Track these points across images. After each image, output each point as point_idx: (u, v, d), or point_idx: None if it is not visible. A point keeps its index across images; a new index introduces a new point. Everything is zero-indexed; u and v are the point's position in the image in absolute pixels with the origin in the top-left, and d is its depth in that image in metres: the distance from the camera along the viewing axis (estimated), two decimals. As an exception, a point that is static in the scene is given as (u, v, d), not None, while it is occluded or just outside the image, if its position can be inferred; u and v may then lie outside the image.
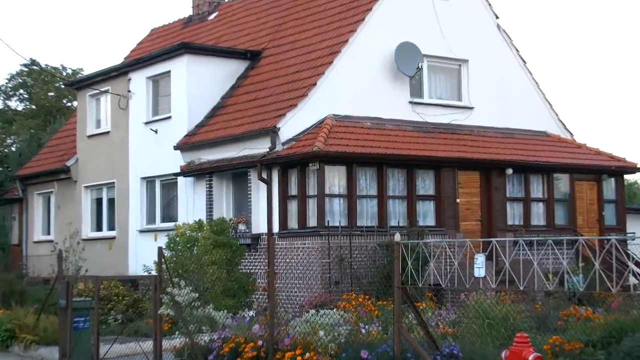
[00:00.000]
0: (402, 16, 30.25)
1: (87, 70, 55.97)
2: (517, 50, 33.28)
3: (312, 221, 26.82)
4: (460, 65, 31.84)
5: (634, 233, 30.64)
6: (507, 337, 14.61)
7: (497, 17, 32.74)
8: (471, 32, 31.87)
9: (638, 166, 33.65)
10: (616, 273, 12.53)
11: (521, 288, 13.80)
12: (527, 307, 18.23)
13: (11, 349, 24.67)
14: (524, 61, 33.40)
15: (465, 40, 31.55)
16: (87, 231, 36.80)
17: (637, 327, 15.94)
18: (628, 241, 22.36)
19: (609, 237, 14.15)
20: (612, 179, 33.28)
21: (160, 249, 20.25)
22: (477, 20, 32.24)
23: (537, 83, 33.62)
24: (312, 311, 16.95)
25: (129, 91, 34.27)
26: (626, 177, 36.10)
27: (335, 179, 27.09)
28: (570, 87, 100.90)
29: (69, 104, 60.59)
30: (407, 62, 29.59)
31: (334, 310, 16.98)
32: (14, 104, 68.86)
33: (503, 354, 11.83)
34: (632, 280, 23.13)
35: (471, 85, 31.79)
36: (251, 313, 19.14)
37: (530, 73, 33.56)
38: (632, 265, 23.31)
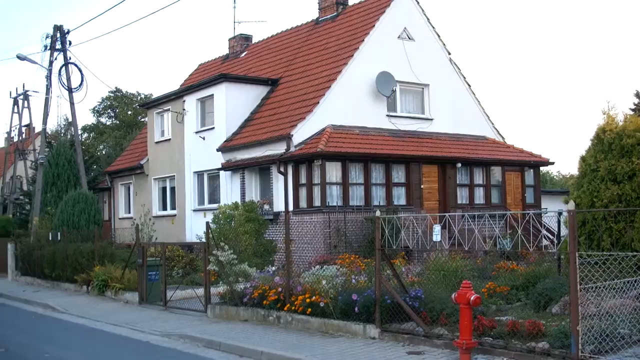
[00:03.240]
0: (381, 53, 30.23)
1: (155, 95, 56.02)
2: (464, 77, 33.22)
3: (316, 202, 26.90)
4: (423, 88, 31.76)
5: (546, 208, 30.76)
6: (457, 284, 14.73)
7: (449, 54, 32.72)
8: (431, 64, 31.78)
9: (550, 161, 33.77)
10: (533, 237, 12.68)
11: (466, 248, 13.96)
12: (471, 262, 18.29)
13: (105, 294, 25.08)
14: (469, 85, 33.34)
15: (426, 70, 31.43)
16: (156, 210, 36.92)
17: (547, 275, 16.10)
18: (542, 214, 22.53)
19: (528, 212, 14.25)
20: (532, 170, 33.18)
21: (207, 223, 20.44)
22: (435, 56, 32.14)
23: (478, 101, 33.57)
24: (317, 267, 17.14)
25: (184, 109, 34.29)
26: (541, 168, 36.12)
27: (334, 171, 27.10)
28: (503, 103, 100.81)
29: (142, 120, 60.76)
30: (385, 86, 29.62)
31: (333, 266, 17.12)
32: (104, 120, 69.29)
33: (453, 296, 11.91)
34: (544, 242, 23.27)
35: (431, 102, 31.72)
36: (273, 268, 19.23)
37: (474, 93, 33.48)
38: (544, 231, 23.47)
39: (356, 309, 14.55)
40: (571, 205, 10.64)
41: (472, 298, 11.49)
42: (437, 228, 13.57)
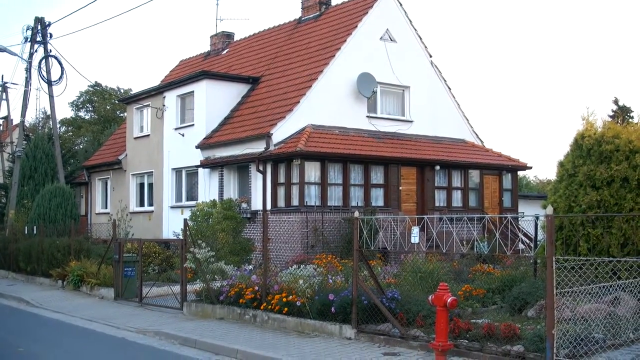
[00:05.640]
0: (362, 54, 30.24)
1: (134, 90, 55.77)
2: (445, 80, 33.29)
3: (295, 201, 26.83)
4: (404, 90, 31.80)
5: (523, 213, 30.89)
6: (433, 286, 14.75)
7: (430, 56, 32.77)
8: (412, 66, 31.84)
9: (527, 165, 33.80)
10: (509, 241, 12.72)
11: (444, 251, 13.96)
12: (447, 265, 18.34)
13: (81, 289, 24.95)
14: (449, 88, 33.41)
15: (407, 72, 31.49)
16: (133, 206, 36.70)
17: (522, 279, 16.18)
18: (519, 218, 22.61)
19: (505, 215, 14.30)
20: (509, 174, 33.20)
21: (185, 220, 20.39)
22: (416, 58, 32.20)
23: (458, 104, 33.66)
24: (295, 266, 17.05)
25: (164, 105, 34.12)
26: (519, 172, 36.23)
27: (312, 171, 27.05)
28: (483, 107, 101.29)
29: (121, 115, 60.46)
30: (366, 87, 29.63)
31: (310, 265, 17.08)
32: (82, 114, 68.90)
33: (430, 298, 11.92)
34: (521, 246, 23.38)
35: (411, 104, 31.76)
36: (250, 267, 19.17)
37: (454, 96, 33.55)
38: (520, 236, 23.56)
39: (333, 309, 14.53)
40: (550, 209, 10.68)
41: (448, 300, 11.49)
42: (415, 230, 13.55)
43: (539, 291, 14.11)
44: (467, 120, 34.01)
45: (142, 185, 36.76)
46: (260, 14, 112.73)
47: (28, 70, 36.05)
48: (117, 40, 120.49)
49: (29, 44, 36.00)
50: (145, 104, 35.77)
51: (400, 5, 31.85)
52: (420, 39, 32.45)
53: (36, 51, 36.00)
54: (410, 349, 12.94)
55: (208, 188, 30.74)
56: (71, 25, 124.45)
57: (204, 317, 18.05)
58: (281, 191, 27.49)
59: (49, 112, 42.80)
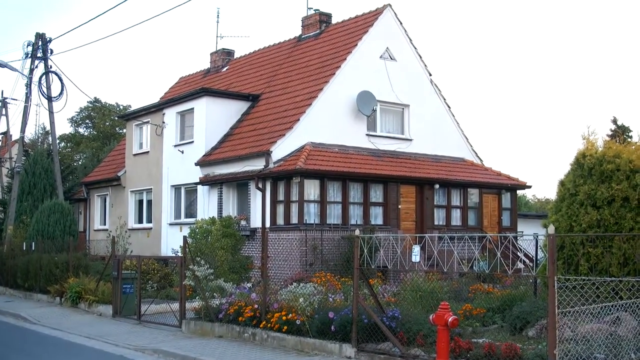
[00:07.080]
0: (362, 72, 30.31)
1: (134, 106, 55.76)
2: (444, 99, 33.35)
3: (294, 219, 26.78)
4: (403, 108, 31.84)
5: (522, 232, 30.85)
6: (433, 305, 14.70)
7: (430, 75, 32.85)
8: (412, 85, 31.89)
9: (527, 184, 33.80)
10: (508, 260, 12.70)
11: (445, 270, 13.94)
12: (447, 284, 18.31)
13: (79, 306, 24.84)
14: (449, 106, 33.45)
15: (407, 91, 31.55)
16: (132, 223, 36.61)
17: (523, 298, 16.16)
18: (518, 237, 22.59)
19: (507, 234, 14.30)
20: (509, 193, 33.16)
21: (184, 237, 20.33)
22: (416, 76, 32.26)
23: (458, 123, 33.70)
24: (294, 284, 17.01)
25: (163, 122, 34.13)
26: (518, 191, 36.18)
27: (312, 189, 27.03)
28: (482, 126, 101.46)
29: (121, 131, 60.44)
30: (365, 105, 29.68)
31: (309, 284, 17.03)
32: (81, 130, 69.01)
33: (431, 317, 11.91)
34: (520, 265, 23.35)
35: (411, 123, 31.79)
36: (249, 285, 19.13)
37: (453, 115, 33.60)
38: (521, 255, 23.55)
39: (333, 327, 14.47)
40: (552, 229, 10.66)
41: (450, 319, 11.47)
42: (416, 249, 13.53)
43: (539, 311, 14.08)
44: (467, 138, 34.03)
45: (141, 202, 36.68)
46: (261, 31, 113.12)
47: (28, 86, 36.07)
48: (117, 56, 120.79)
49: (29, 60, 36.03)
50: (144, 121, 35.77)
51: (401, 24, 31.98)
52: (420, 57, 32.54)
53: (36, 67, 36.04)
54: (410, 368, 12.87)
55: (207, 205, 30.69)
56: (72, 41, 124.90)
57: (202, 335, 17.97)
58: (280, 209, 27.45)
59: (48, 128, 42.77)
